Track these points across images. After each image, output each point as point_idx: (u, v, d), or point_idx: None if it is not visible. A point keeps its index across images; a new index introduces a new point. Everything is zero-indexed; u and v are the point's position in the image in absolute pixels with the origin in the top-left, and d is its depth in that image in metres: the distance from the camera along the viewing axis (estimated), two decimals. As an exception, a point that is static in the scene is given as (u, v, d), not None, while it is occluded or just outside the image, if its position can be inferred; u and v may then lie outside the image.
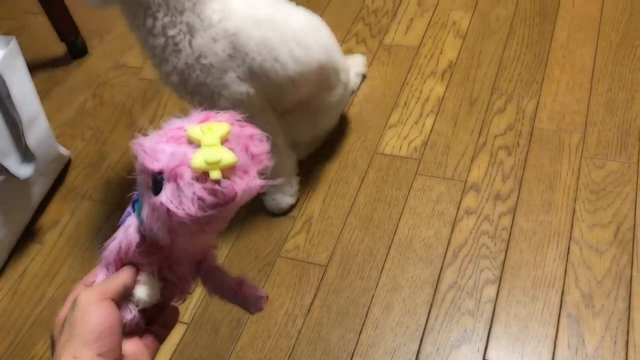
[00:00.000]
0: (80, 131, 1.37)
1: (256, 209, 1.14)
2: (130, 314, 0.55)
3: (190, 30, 0.91)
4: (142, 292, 0.56)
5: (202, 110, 0.54)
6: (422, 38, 1.43)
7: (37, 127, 1.16)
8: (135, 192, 0.55)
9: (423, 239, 1.05)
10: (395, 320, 0.96)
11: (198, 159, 0.49)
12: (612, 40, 1.34)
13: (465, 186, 1.12)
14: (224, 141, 0.51)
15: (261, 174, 0.52)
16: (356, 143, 1.23)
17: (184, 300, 0.65)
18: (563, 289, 0.96)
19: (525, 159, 1.14)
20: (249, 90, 0.98)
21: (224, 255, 1.08)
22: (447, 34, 1.43)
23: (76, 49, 1.54)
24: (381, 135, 1.24)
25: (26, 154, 1.13)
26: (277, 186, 1.11)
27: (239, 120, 0.54)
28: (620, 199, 1.05)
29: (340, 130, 1.24)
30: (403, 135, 1.23)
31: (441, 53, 1.39)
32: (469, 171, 1.14)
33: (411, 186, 1.14)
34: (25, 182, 1.13)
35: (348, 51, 1.41)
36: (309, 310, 0.99)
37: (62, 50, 1.56)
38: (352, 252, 1.05)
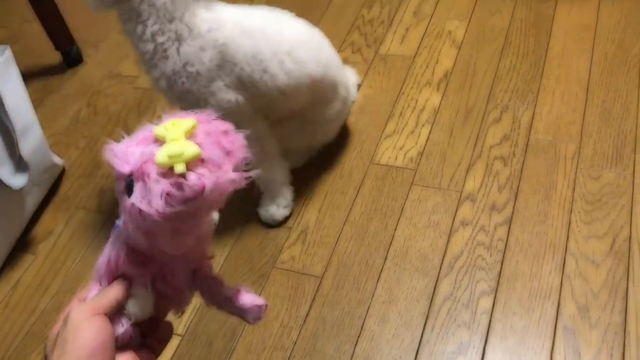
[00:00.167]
0: (74, 140, 1.36)
1: (251, 219, 1.14)
2: (123, 327, 0.55)
3: (179, 38, 0.93)
4: (134, 305, 0.56)
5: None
6: (418, 48, 1.43)
7: (31, 137, 1.16)
8: None
9: (419, 249, 1.05)
10: (391, 332, 0.95)
11: (161, 154, 0.48)
12: (607, 51, 1.34)
13: (461, 196, 1.12)
14: (190, 136, 0.51)
15: (238, 168, 0.52)
16: (352, 153, 1.22)
17: (182, 313, 0.65)
18: (559, 300, 0.95)
19: (521, 170, 1.14)
20: (238, 98, 0.98)
21: (218, 266, 1.07)
22: (442, 44, 1.43)
23: (71, 58, 1.54)
24: (377, 145, 1.23)
25: (20, 164, 1.12)
26: (271, 198, 1.11)
27: (213, 119, 0.53)
28: (616, 211, 1.05)
29: (336, 139, 1.24)
30: (399, 145, 1.23)
31: (437, 63, 1.39)
32: (464, 181, 1.14)
33: (407, 196, 1.13)
34: (19, 192, 1.13)
35: (344, 60, 1.41)
36: (304, 321, 0.98)
37: (57, 58, 1.56)
38: (348, 263, 1.05)
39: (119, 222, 0.57)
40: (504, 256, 1.02)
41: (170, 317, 0.63)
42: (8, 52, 1.14)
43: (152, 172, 0.49)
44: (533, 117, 1.23)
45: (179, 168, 0.48)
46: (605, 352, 0.89)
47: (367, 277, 1.02)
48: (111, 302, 0.53)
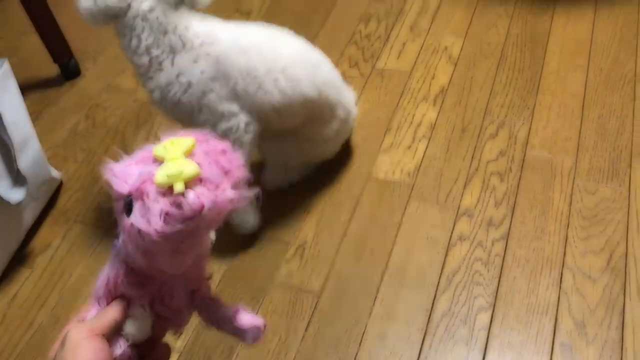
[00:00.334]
0: (72, 153, 1.36)
1: (248, 234, 1.14)
2: (121, 348, 0.55)
3: (173, 51, 0.95)
4: (132, 326, 0.56)
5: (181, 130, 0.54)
6: (415, 63, 1.44)
7: (29, 150, 1.15)
8: None
9: (417, 265, 1.05)
10: (389, 349, 0.95)
11: (160, 173, 0.49)
12: (602, 66, 1.35)
13: (458, 212, 1.12)
14: (190, 155, 0.51)
15: (236, 187, 0.52)
16: (349, 167, 1.23)
17: (180, 333, 0.65)
18: (556, 316, 0.96)
19: (518, 185, 1.15)
20: (232, 109, 0.98)
21: (215, 282, 1.07)
22: (439, 59, 1.44)
23: (69, 71, 1.54)
24: (374, 159, 1.24)
25: (17, 178, 1.12)
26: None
27: (211, 138, 0.54)
28: (613, 226, 1.06)
29: (333, 154, 1.25)
30: (396, 160, 1.23)
31: (433, 78, 1.40)
32: (461, 197, 1.15)
33: (404, 211, 1.14)
34: (16, 206, 1.13)
35: (341, 74, 1.42)
36: (302, 338, 0.98)
37: (55, 71, 1.56)
38: (346, 278, 1.05)
39: (118, 242, 0.57)
40: (501, 272, 1.02)
41: (169, 337, 0.63)
42: (6, 65, 1.14)
43: (151, 191, 0.49)
44: (529, 132, 1.24)
45: (178, 187, 0.48)
46: (602, 368, 0.89)
47: (365, 293, 1.03)
48: (109, 323, 0.53)
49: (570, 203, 1.11)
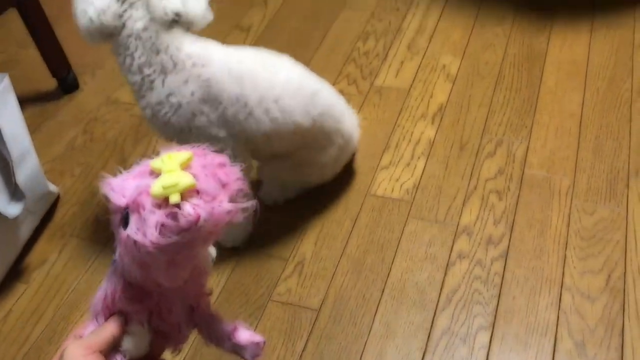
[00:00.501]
0: (69, 167, 1.36)
1: (246, 250, 1.13)
2: None
3: (164, 71, 0.95)
4: (130, 342, 0.56)
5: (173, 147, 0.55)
6: (413, 81, 1.45)
7: (27, 164, 1.15)
8: None
9: (416, 283, 1.05)
10: (389, 367, 0.95)
11: (156, 185, 0.49)
12: (599, 87, 1.37)
13: (457, 230, 1.12)
14: (187, 167, 0.51)
15: (234, 200, 0.52)
16: (348, 183, 1.23)
17: (179, 351, 0.64)
18: (556, 336, 0.96)
19: (516, 204, 1.15)
20: (220, 134, 0.99)
21: (213, 298, 1.07)
22: (437, 78, 1.45)
23: (67, 84, 1.54)
24: (373, 176, 1.24)
25: (15, 192, 1.11)
26: None
27: (209, 152, 0.54)
28: (611, 246, 1.06)
29: (332, 171, 1.25)
30: (395, 177, 1.23)
31: (431, 96, 1.40)
32: (460, 215, 1.15)
33: (403, 229, 1.14)
34: (13, 220, 1.12)
35: (339, 92, 1.42)
36: (300, 356, 0.97)
37: (53, 84, 1.56)
38: (345, 296, 1.05)
39: (116, 257, 0.57)
40: (500, 291, 1.02)
41: (167, 354, 0.62)
42: (6, 80, 1.14)
43: (147, 203, 0.49)
44: (527, 151, 1.25)
45: (174, 198, 0.48)
46: (602, 389, 0.89)
47: (364, 310, 1.02)
48: (107, 340, 0.53)
49: (569, 223, 1.11)
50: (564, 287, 1.02)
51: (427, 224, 1.14)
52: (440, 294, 1.03)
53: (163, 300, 0.58)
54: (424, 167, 1.25)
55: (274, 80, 1.00)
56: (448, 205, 1.17)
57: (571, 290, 1.01)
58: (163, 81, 0.95)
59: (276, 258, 1.12)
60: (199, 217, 0.49)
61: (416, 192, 1.20)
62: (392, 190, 1.21)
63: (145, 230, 0.49)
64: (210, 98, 0.97)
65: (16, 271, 1.16)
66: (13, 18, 1.52)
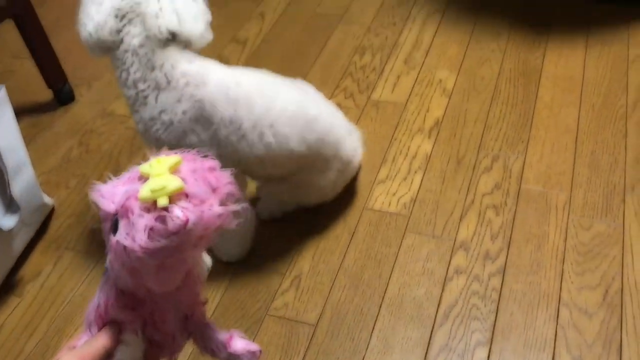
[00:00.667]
0: (65, 179, 1.35)
1: (243, 263, 1.13)
2: None
3: (158, 87, 0.95)
4: (124, 352, 0.55)
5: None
6: (409, 95, 1.45)
7: (22, 176, 1.14)
8: None
9: (414, 298, 1.05)
10: (387, 383, 0.94)
11: (144, 189, 0.49)
12: (594, 102, 1.38)
13: (454, 245, 1.12)
14: (175, 171, 0.51)
15: (224, 204, 0.52)
16: (345, 198, 1.23)
17: (174, 361, 0.64)
18: (554, 352, 0.95)
19: (513, 219, 1.15)
20: (211, 154, 0.98)
21: (209, 312, 1.06)
22: (433, 92, 1.45)
23: (63, 96, 1.53)
24: (370, 190, 1.24)
25: (10, 204, 1.10)
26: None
27: (198, 157, 0.54)
28: (608, 261, 1.06)
29: (329, 185, 1.24)
30: (392, 191, 1.23)
31: (428, 111, 1.41)
32: (457, 229, 1.15)
33: (401, 243, 1.14)
34: (7, 232, 1.11)
35: (337, 105, 1.43)
36: (298, 371, 0.97)
37: (49, 96, 1.55)
38: (342, 311, 1.04)
39: (107, 265, 0.57)
40: (498, 306, 1.02)
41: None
42: (3, 92, 1.13)
43: (136, 207, 0.49)
44: (524, 166, 1.25)
45: (162, 201, 0.48)
46: (600, 405, 0.89)
47: (361, 326, 1.02)
48: (100, 350, 0.53)
49: (566, 238, 1.11)
50: (561, 302, 1.02)
51: (424, 238, 1.14)
52: (437, 309, 1.03)
53: (157, 309, 0.57)
54: (421, 181, 1.25)
55: (270, 105, 0.99)
56: (445, 220, 1.17)
57: (569, 306, 1.01)
58: (156, 98, 0.95)
59: (273, 272, 1.11)
60: (187, 221, 0.49)
61: (413, 206, 1.20)
62: (390, 205, 1.21)
63: (134, 234, 0.49)
64: (202, 118, 0.96)
65: (10, 284, 1.15)
66: (9, 29, 1.52)
